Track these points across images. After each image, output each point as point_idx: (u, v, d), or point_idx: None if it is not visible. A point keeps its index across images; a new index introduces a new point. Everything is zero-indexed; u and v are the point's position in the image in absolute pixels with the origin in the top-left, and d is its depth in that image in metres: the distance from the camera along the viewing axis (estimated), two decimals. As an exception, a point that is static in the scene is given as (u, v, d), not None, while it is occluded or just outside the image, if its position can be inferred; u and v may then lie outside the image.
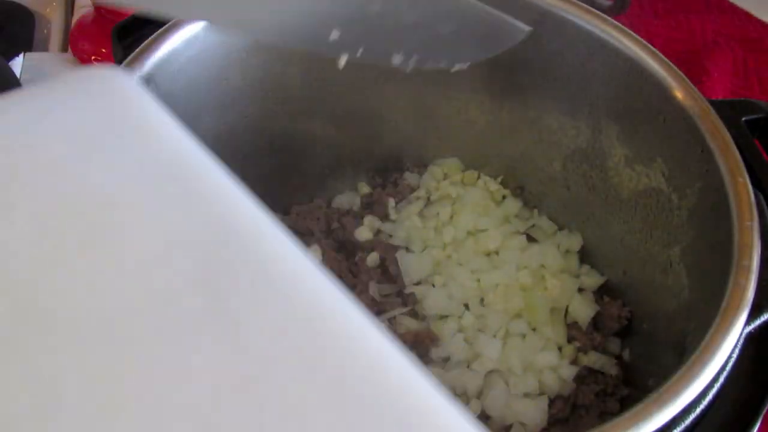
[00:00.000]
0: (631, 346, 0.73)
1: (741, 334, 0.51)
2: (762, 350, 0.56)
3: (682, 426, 0.48)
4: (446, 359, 0.72)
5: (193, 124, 0.69)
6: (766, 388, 0.54)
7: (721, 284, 0.53)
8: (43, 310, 0.24)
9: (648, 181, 0.68)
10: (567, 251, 0.79)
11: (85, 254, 0.26)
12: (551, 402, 0.69)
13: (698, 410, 0.49)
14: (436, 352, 0.72)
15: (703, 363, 0.49)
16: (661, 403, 0.47)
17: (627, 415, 0.47)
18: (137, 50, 0.61)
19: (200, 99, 0.67)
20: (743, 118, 0.66)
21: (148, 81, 0.60)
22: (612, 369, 0.70)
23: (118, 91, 0.33)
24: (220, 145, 0.71)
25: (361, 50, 0.45)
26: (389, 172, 0.85)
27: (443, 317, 0.74)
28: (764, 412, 0.53)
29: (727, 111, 0.64)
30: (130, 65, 0.60)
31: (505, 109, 0.78)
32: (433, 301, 0.75)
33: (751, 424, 0.52)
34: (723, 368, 0.51)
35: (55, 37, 1.10)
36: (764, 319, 0.54)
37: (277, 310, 0.27)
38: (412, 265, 0.77)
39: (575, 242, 0.79)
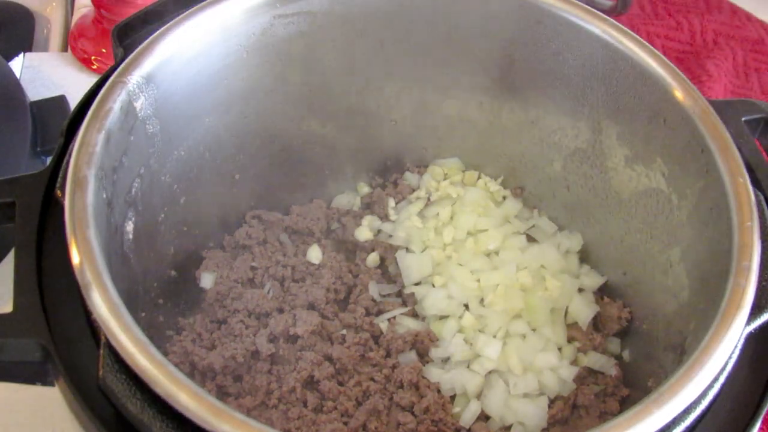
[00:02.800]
0: (631, 346, 0.73)
1: (741, 334, 0.51)
2: (762, 350, 0.56)
3: (683, 426, 0.48)
4: (446, 359, 0.72)
5: (193, 125, 0.69)
6: (766, 389, 0.54)
7: (721, 285, 0.53)
8: None
9: (648, 181, 0.68)
10: (567, 251, 0.79)
11: None
12: (551, 402, 0.69)
13: (698, 410, 0.49)
14: (435, 353, 0.72)
15: (702, 363, 0.49)
16: (661, 403, 0.47)
17: (627, 415, 0.46)
18: (137, 50, 0.60)
19: (200, 99, 0.67)
20: (743, 118, 0.66)
21: (148, 81, 0.60)
22: (612, 370, 0.70)
23: None
24: (220, 146, 0.72)
25: None
26: (389, 172, 0.85)
27: (443, 317, 0.74)
28: (764, 412, 0.53)
29: (727, 111, 0.64)
30: (130, 65, 0.60)
31: (505, 110, 0.78)
32: (432, 301, 0.75)
33: (751, 424, 0.52)
34: (723, 369, 0.51)
35: (55, 37, 1.10)
36: (764, 319, 0.54)
37: None
38: (412, 265, 0.77)
39: (575, 242, 0.79)
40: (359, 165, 0.83)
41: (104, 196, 0.54)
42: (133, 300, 0.62)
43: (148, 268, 0.65)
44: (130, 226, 0.61)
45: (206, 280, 0.73)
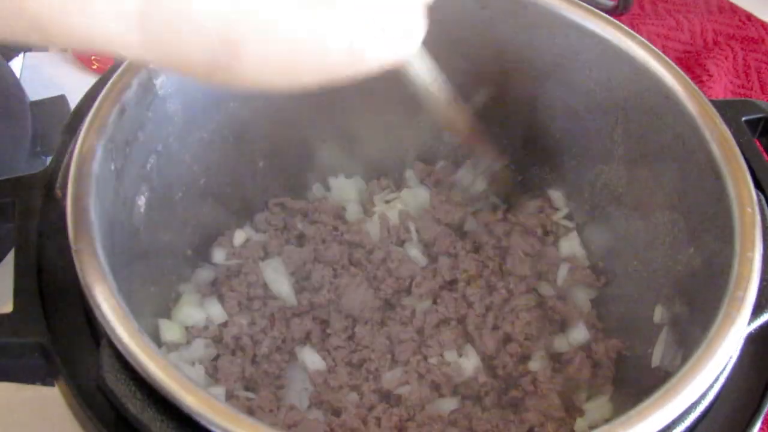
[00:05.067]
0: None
1: (742, 334, 0.51)
2: (762, 350, 0.56)
3: (683, 426, 0.48)
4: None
5: (217, 108, 0.69)
6: (766, 389, 0.54)
7: (723, 281, 0.53)
8: None
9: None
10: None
11: None
12: None
13: (699, 410, 0.49)
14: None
15: (704, 363, 0.49)
16: (662, 403, 0.47)
17: (629, 414, 0.46)
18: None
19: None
20: (743, 118, 0.66)
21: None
22: None
23: None
24: (244, 132, 0.71)
25: None
26: (390, 171, 0.84)
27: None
28: (764, 412, 0.53)
29: (727, 111, 0.64)
30: (134, 65, 0.59)
31: (508, 110, 0.77)
32: None
33: (751, 424, 0.52)
34: (723, 368, 0.51)
35: (55, 37, 1.09)
36: (765, 319, 0.54)
37: None
38: None
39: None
40: (360, 164, 0.83)
41: (112, 167, 0.55)
42: (143, 276, 0.63)
43: (162, 245, 0.66)
44: (142, 200, 0.61)
45: (218, 256, 0.74)
